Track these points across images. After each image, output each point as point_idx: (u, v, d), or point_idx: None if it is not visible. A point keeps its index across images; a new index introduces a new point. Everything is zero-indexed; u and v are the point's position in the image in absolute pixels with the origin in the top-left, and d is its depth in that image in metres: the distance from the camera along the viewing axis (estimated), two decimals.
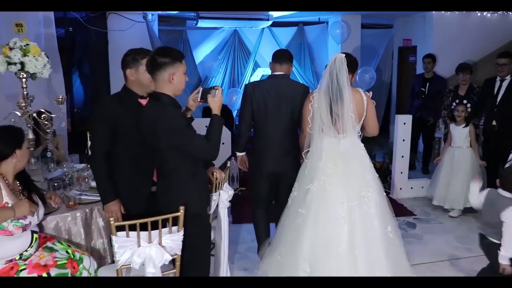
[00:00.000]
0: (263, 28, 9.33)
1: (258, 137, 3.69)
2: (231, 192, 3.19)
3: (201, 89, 2.62)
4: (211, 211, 3.06)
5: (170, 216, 2.41)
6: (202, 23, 8.28)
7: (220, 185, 3.11)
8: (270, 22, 8.76)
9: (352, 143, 3.06)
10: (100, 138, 2.75)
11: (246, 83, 5.69)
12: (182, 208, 2.41)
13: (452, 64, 7.35)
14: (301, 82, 9.31)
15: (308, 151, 3.17)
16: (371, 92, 3.36)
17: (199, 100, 2.63)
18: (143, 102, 2.63)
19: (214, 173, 3.01)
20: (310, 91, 3.42)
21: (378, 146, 6.75)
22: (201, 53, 9.30)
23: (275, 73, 3.67)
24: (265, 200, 3.79)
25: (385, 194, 3.12)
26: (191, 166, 2.57)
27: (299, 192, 3.14)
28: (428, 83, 6.66)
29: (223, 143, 5.33)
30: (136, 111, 2.61)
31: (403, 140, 5.61)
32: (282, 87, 3.58)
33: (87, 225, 3.00)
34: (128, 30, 7.55)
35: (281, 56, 3.68)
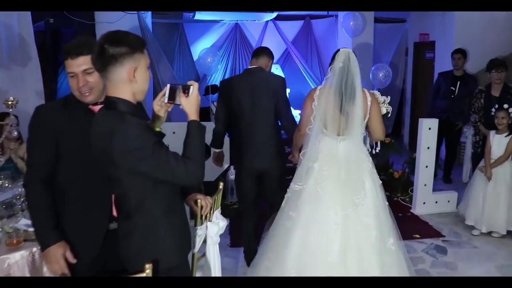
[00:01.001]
0: (267, 22, 8.62)
1: (236, 134, 3.63)
2: (223, 224, 2.46)
3: (168, 86, 1.87)
4: (196, 249, 2.37)
5: (131, 276, 1.67)
6: (200, 15, 7.57)
7: (208, 216, 2.39)
8: (274, 15, 8.07)
9: (353, 145, 2.85)
10: (37, 158, 2.02)
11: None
12: (149, 267, 1.65)
13: (477, 61, 6.69)
14: (307, 79, 8.66)
15: (304, 151, 2.95)
16: (389, 97, 3.24)
17: (166, 101, 1.87)
18: (96, 109, 1.91)
19: (198, 201, 2.27)
20: (374, 95, 3.04)
21: (395, 152, 6.00)
22: (199, 49, 8.53)
23: (250, 67, 3.61)
24: (251, 199, 3.67)
25: (387, 203, 2.92)
26: (164, 199, 1.84)
27: (292, 193, 2.94)
28: (459, 82, 5.91)
29: None
30: (86, 121, 1.87)
31: (428, 147, 4.87)
32: (256, 80, 3.48)
33: (35, 269, 2.27)
34: (118, 23, 6.81)
35: (258, 51, 3.67)
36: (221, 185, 2.65)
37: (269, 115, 3.48)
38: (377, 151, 3.20)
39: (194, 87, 1.84)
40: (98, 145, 1.72)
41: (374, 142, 3.13)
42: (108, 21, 6.81)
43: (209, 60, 6.09)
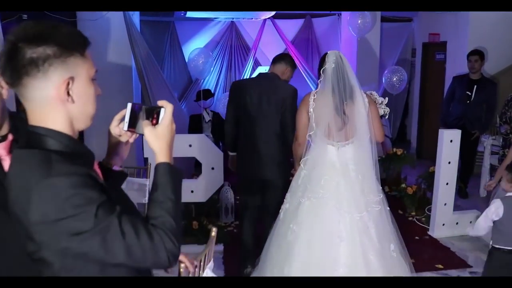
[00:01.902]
0: (265, 20, 8.00)
1: (241, 140, 3.50)
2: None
3: (129, 106, 1.28)
4: None
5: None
6: (192, 13, 6.97)
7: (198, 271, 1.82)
8: (272, 13, 7.46)
9: (356, 150, 2.78)
10: None
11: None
12: None
13: (494, 63, 6.16)
14: (308, 81, 8.06)
15: (305, 159, 2.88)
16: (386, 98, 3.24)
17: (125, 129, 1.28)
18: (2, 153, 1.28)
19: (182, 265, 1.71)
20: (370, 97, 3.02)
21: (407, 164, 5.42)
22: (192, 49, 7.87)
23: (263, 72, 3.67)
24: (252, 209, 3.55)
25: (388, 208, 2.85)
26: None
27: (291, 204, 2.85)
28: (475, 86, 5.35)
29: (212, 168, 4.04)
30: None
31: (449, 162, 4.29)
32: (266, 87, 3.38)
33: None
34: (101, 20, 6.24)
35: (276, 57, 3.58)
36: (214, 231, 2.07)
37: (275, 124, 3.35)
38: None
39: (166, 111, 1.24)
40: (14, 209, 1.09)
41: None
42: (91, 18, 6.24)
43: (201, 61, 5.49)
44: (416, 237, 4.44)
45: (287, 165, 3.43)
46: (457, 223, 4.49)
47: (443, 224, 4.45)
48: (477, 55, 5.40)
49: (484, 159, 5.64)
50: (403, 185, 5.06)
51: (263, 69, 7.94)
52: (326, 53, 2.82)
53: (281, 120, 3.32)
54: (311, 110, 2.81)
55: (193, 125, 5.67)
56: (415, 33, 8.28)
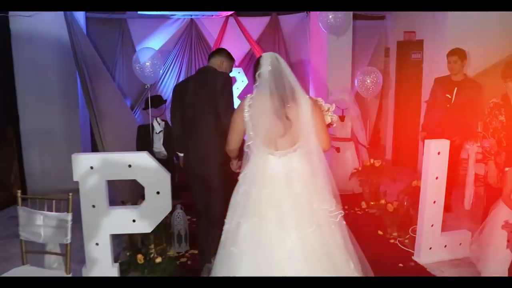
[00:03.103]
0: (228, 17, 7.33)
1: (185, 138, 3.51)
2: None
3: None
4: None
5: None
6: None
7: None
8: None
9: (303, 158, 2.53)
10: None
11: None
12: None
13: (477, 63, 5.67)
14: None
15: (243, 174, 2.61)
16: (333, 104, 3.05)
17: None
18: None
19: None
20: (314, 100, 2.77)
21: (387, 176, 4.83)
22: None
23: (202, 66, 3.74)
24: (201, 206, 3.56)
25: (344, 222, 2.60)
26: None
27: (230, 225, 2.58)
28: (456, 88, 4.81)
29: (157, 193, 3.33)
30: None
31: (436, 177, 3.72)
32: (200, 81, 3.43)
33: None
34: (38, 16, 5.46)
35: (211, 52, 3.70)
36: None
37: (210, 117, 3.33)
38: None
39: None
40: None
41: None
42: (25, 14, 5.46)
43: (148, 64, 4.75)
44: (400, 264, 3.86)
45: (226, 163, 3.20)
46: (445, 246, 3.92)
47: (430, 248, 3.87)
48: (456, 55, 4.85)
49: (469, 168, 5.11)
50: (383, 201, 4.46)
51: None
52: (261, 56, 2.62)
53: (217, 111, 3.28)
54: (246, 116, 2.54)
55: (142, 137, 4.92)
56: (388, 31, 7.75)
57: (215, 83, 3.31)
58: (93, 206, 3.34)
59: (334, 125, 3.10)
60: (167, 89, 7.27)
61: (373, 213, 4.54)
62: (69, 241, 2.70)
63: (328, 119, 2.98)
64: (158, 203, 3.36)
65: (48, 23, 5.62)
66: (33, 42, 5.70)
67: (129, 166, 3.29)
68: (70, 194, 2.71)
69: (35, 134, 5.88)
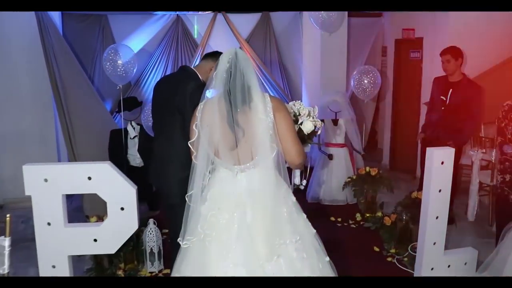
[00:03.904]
0: (216, 14, 6.93)
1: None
2: None
3: None
4: None
5: None
6: None
7: None
8: None
9: (262, 175, 2.08)
10: None
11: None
12: None
13: (480, 63, 5.28)
14: (265, 85, 7.01)
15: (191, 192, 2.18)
16: (316, 107, 2.64)
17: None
18: None
19: None
20: (280, 101, 2.26)
21: (385, 186, 4.42)
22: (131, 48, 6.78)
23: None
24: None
25: (320, 246, 2.16)
26: None
27: (182, 247, 2.20)
28: (451, 89, 4.46)
29: (122, 208, 2.92)
30: None
31: (440, 190, 3.31)
32: (173, 82, 2.96)
33: None
34: (7, 13, 5.02)
35: (206, 54, 3.20)
36: None
37: (173, 126, 2.84)
38: (302, 185, 2.63)
39: None
40: None
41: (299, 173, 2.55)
42: None
43: (119, 62, 4.31)
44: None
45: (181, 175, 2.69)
46: (449, 266, 3.51)
47: (432, 269, 3.46)
48: (449, 53, 4.48)
49: (473, 177, 4.72)
50: (379, 214, 4.06)
51: None
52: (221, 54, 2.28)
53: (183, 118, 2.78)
54: (197, 124, 2.16)
55: (115, 143, 4.48)
56: (386, 29, 7.36)
57: (184, 87, 2.83)
58: (48, 224, 2.92)
59: (319, 132, 2.68)
60: (151, 90, 6.84)
61: (368, 227, 4.13)
62: (6, 271, 2.28)
63: (309, 126, 2.57)
64: (123, 220, 2.93)
65: (19, 21, 5.20)
66: (2, 41, 5.27)
67: (89, 178, 2.86)
68: (8, 215, 2.29)
69: (6, 138, 5.45)
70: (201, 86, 2.50)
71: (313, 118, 2.57)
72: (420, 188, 5.01)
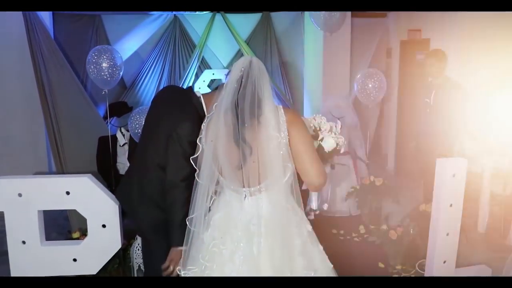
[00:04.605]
0: (214, 14, 6.69)
1: None
2: None
3: None
4: None
5: None
6: None
7: None
8: None
9: (271, 201, 1.86)
10: None
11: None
12: None
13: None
14: None
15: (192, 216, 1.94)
16: (339, 122, 2.60)
17: None
18: None
19: None
20: (296, 113, 2.01)
21: (391, 197, 4.15)
22: (126, 49, 6.55)
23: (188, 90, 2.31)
24: None
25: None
26: None
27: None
28: (434, 91, 4.42)
29: (103, 226, 2.68)
30: None
31: (451, 205, 3.05)
32: (170, 108, 2.23)
33: None
34: None
35: None
36: None
37: (153, 160, 2.25)
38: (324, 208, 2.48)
39: None
40: None
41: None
42: None
43: (104, 65, 4.04)
44: None
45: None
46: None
47: None
48: (433, 57, 4.40)
49: (483, 185, 4.46)
50: (384, 227, 3.80)
51: (211, 73, 6.65)
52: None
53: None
54: (201, 138, 1.94)
55: (103, 151, 4.23)
56: (390, 29, 7.10)
57: (177, 126, 2.14)
58: (23, 242, 2.69)
59: (342, 150, 2.42)
60: (146, 93, 6.64)
61: (373, 241, 3.87)
62: None
63: (331, 143, 2.32)
64: (105, 238, 2.70)
65: (7, 21, 4.97)
66: None
67: (67, 193, 2.63)
68: None
69: None
70: (198, 127, 2.07)
71: (335, 134, 2.34)
72: (426, 199, 4.78)
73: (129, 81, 6.64)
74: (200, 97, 2.22)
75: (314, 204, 2.37)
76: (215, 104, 1.94)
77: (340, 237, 4.20)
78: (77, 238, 3.23)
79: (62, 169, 4.15)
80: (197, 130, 2.01)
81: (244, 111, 1.84)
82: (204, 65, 6.83)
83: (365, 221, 4.32)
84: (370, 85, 4.59)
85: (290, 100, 6.98)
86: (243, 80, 1.88)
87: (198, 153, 1.96)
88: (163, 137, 2.14)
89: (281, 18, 7.01)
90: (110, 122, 5.04)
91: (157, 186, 2.21)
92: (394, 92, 6.87)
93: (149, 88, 6.63)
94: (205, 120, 2.00)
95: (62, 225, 4.37)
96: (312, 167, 1.87)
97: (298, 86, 7.04)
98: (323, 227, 4.41)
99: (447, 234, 3.10)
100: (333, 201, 4.57)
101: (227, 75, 1.99)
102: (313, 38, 6.26)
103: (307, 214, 2.24)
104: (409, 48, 6.45)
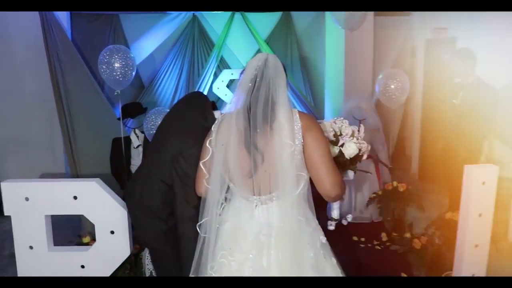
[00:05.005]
0: (234, 13, 6.56)
1: None
2: None
3: None
4: None
5: None
6: None
7: None
8: None
9: (286, 211, 1.76)
10: None
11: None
12: None
13: None
14: (288, 93, 6.60)
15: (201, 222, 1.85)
16: (362, 127, 2.34)
17: None
18: None
19: None
20: (312, 118, 1.86)
21: (415, 203, 3.95)
22: (144, 49, 6.49)
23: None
24: None
25: None
26: None
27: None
28: (462, 92, 4.26)
29: (112, 232, 2.58)
30: None
31: (480, 215, 2.85)
32: (184, 120, 2.16)
33: None
34: (14, 13, 4.78)
35: None
36: None
37: (157, 171, 2.21)
38: (348, 220, 2.26)
39: None
40: None
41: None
42: None
43: (116, 65, 3.95)
44: None
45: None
46: None
47: None
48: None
49: None
50: (408, 235, 3.61)
51: (230, 73, 6.53)
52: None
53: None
54: (211, 141, 1.85)
55: (117, 153, 4.13)
56: (415, 28, 6.86)
57: (188, 145, 2.07)
58: (31, 248, 2.61)
59: (365, 157, 2.26)
60: (165, 93, 6.56)
61: (395, 250, 3.68)
62: None
63: (352, 149, 2.16)
64: (113, 245, 2.60)
65: (25, 21, 4.94)
66: (5, 41, 5.03)
67: (75, 197, 2.53)
68: None
69: (9, 143, 5.20)
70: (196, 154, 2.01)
71: (357, 139, 2.18)
72: (451, 207, 4.56)
73: (147, 81, 6.57)
74: (219, 114, 2.11)
75: (335, 213, 2.19)
76: (228, 104, 1.87)
77: (361, 244, 4.01)
78: (87, 243, 3.15)
79: (76, 171, 4.09)
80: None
81: (256, 116, 1.74)
82: (223, 65, 6.72)
83: (387, 229, 4.13)
84: (392, 86, 4.38)
85: (311, 103, 6.80)
86: (257, 80, 1.78)
87: (208, 157, 1.87)
88: (168, 158, 2.10)
89: (301, 17, 6.84)
90: (126, 125, 4.97)
91: (159, 199, 2.14)
92: (418, 93, 6.64)
93: (167, 88, 6.54)
94: (216, 122, 1.90)
95: (77, 227, 4.29)
96: (327, 177, 1.75)
97: (320, 87, 6.86)
98: (343, 233, 4.24)
99: (476, 246, 2.91)
100: (354, 207, 4.38)
101: (241, 73, 1.89)
102: (335, 37, 6.08)
103: (327, 223, 2.10)
104: (434, 47, 6.22)
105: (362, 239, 4.06)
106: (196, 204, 1.99)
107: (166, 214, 2.18)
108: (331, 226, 1.95)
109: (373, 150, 4.51)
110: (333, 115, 6.17)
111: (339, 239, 4.12)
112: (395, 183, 4.02)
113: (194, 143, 2.00)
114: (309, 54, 6.96)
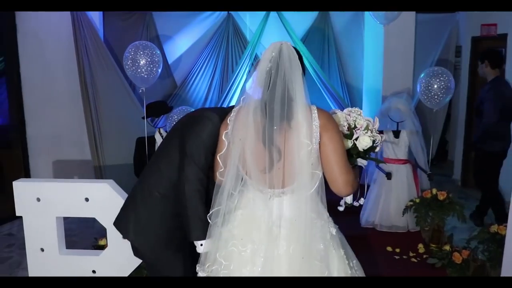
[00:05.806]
0: (269, 12, 6.37)
1: None
2: None
3: None
4: None
5: None
6: None
7: None
8: None
9: (295, 205, 1.78)
10: None
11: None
12: None
13: None
14: (323, 93, 6.33)
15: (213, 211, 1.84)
16: (376, 119, 2.07)
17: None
18: None
19: None
20: (330, 117, 1.85)
21: (456, 213, 3.63)
22: (177, 47, 6.41)
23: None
24: None
25: None
26: None
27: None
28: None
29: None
30: None
31: None
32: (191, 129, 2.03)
33: None
34: (46, 12, 4.80)
35: None
36: None
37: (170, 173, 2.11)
38: (359, 203, 2.12)
39: None
40: None
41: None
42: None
43: (142, 62, 3.82)
44: None
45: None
46: None
47: None
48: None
49: None
50: (447, 248, 3.31)
51: None
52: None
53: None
54: (227, 134, 1.82)
55: (141, 153, 4.02)
56: (461, 25, 6.48)
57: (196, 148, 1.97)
58: (42, 250, 2.52)
59: (377, 149, 2.09)
60: (198, 91, 6.45)
61: (433, 263, 3.38)
62: None
63: (366, 142, 1.98)
64: (125, 251, 2.46)
65: (57, 20, 4.96)
66: (41, 40, 5.07)
67: (86, 199, 2.42)
68: None
69: (41, 140, 5.24)
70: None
71: (371, 132, 2.03)
72: (498, 218, 4.21)
73: (180, 79, 6.49)
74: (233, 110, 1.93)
75: (349, 199, 2.06)
76: (243, 97, 1.82)
77: (396, 256, 3.73)
78: (103, 246, 3.04)
79: (100, 171, 4.03)
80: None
81: (273, 112, 1.71)
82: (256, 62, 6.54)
83: (424, 239, 3.83)
84: (435, 86, 4.06)
85: (348, 104, 6.53)
86: (272, 72, 1.72)
87: (224, 150, 1.84)
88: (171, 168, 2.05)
89: (339, 15, 6.57)
90: (156, 126, 4.86)
91: (156, 215, 2.06)
92: (463, 94, 6.26)
93: (200, 86, 6.43)
94: (231, 114, 1.85)
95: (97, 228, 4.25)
96: (340, 177, 1.77)
97: (357, 87, 6.57)
98: (377, 243, 3.97)
99: None
100: (389, 214, 4.10)
101: (256, 65, 1.81)
102: (374, 35, 5.79)
103: (338, 205, 2.01)
104: (482, 46, 5.82)
105: (397, 250, 3.78)
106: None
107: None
108: (341, 207, 1.79)
109: (411, 154, 4.22)
110: (371, 116, 5.89)
111: (372, 250, 3.87)
112: (434, 191, 3.72)
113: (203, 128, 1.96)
114: (346, 54, 6.67)
